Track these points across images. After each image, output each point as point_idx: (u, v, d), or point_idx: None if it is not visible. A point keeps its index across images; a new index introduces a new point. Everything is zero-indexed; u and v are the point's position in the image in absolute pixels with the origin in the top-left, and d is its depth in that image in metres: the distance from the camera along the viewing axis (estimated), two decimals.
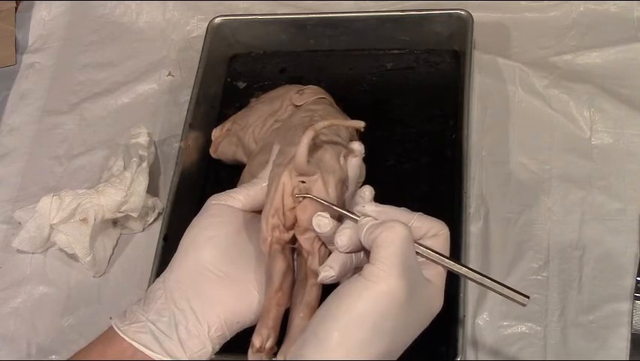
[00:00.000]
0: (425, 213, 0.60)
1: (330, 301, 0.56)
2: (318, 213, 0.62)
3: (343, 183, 0.67)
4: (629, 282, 0.75)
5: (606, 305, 0.74)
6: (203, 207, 0.68)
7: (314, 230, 0.62)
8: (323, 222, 0.61)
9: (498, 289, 0.59)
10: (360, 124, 0.69)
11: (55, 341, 0.82)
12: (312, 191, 0.64)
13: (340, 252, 0.60)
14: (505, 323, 0.75)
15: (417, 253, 0.58)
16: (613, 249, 0.77)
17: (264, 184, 0.68)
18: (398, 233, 0.56)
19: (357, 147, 0.70)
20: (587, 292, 0.75)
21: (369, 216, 0.60)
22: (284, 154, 0.68)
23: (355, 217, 0.60)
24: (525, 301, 0.58)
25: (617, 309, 0.74)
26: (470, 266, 0.60)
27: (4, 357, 0.82)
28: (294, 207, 0.65)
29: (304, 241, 0.64)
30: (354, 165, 0.69)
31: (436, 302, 0.59)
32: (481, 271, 0.59)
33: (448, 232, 0.60)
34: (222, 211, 0.67)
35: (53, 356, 0.81)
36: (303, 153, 0.63)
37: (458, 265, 0.59)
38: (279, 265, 0.63)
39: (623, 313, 0.74)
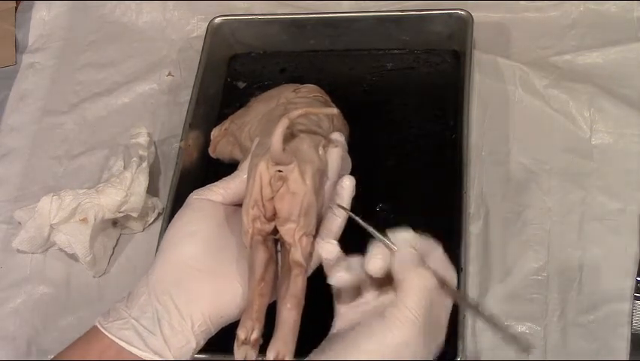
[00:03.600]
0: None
1: (353, 337, 0.57)
2: (326, 240, 0.62)
3: (322, 173, 0.66)
4: (629, 282, 0.75)
5: (606, 305, 0.74)
6: (185, 202, 0.68)
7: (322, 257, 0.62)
8: (329, 248, 0.61)
9: (504, 331, 0.59)
10: (333, 111, 0.70)
11: (55, 341, 0.82)
12: (289, 180, 0.64)
13: (370, 274, 0.59)
14: (505, 323, 0.75)
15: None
16: (613, 249, 0.77)
17: (244, 176, 0.68)
18: (427, 285, 0.57)
19: (337, 137, 0.70)
20: (587, 292, 0.75)
21: (406, 243, 0.59)
22: (262, 145, 0.68)
23: (391, 245, 0.59)
24: (527, 350, 0.59)
25: (617, 309, 0.74)
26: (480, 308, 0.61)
27: (4, 357, 0.82)
28: (272, 198, 0.64)
29: (285, 232, 0.64)
30: (335, 155, 0.68)
31: (440, 340, 0.60)
32: (491, 313, 0.60)
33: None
34: (203, 206, 0.67)
35: (53, 356, 0.81)
36: (277, 142, 0.63)
37: (478, 309, 0.60)
38: (261, 255, 0.63)
39: (623, 313, 0.74)
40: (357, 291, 0.61)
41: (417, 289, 0.56)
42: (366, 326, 0.57)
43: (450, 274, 0.60)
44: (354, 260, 0.60)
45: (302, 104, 0.75)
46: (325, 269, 0.62)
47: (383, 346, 0.56)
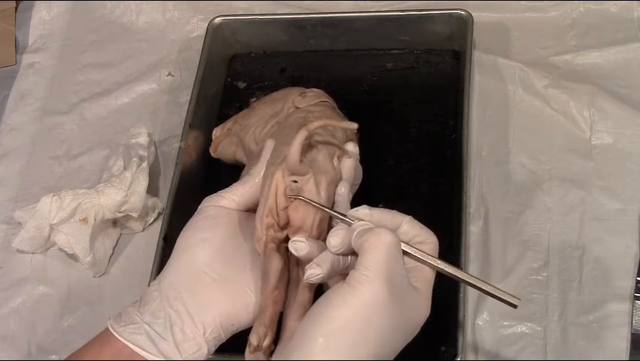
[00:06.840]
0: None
1: (315, 308, 0.56)
2: (294, 239, 0.61)
3: (336, 184, 0.67)
4: (629, 282, 0.75)
5: (606, 305, 0.74)
6: (198, 209, 0.68)
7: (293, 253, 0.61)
8: (299, 245, 0.61)
9: (490, 290, 0.59)
10: (354, 125, 0.69)
11: (55, 341, 0.82)
12: (304, 191, 0.64)
13: (331, 252, 0.59)
14: (505, 323, 0.75)
15: (407, 255, 0.58)
16: (613, 249, 0.77)
17: (256, 180, 0.68)
18: (383, 240, 0.56)
19: (352, 148, 0.70)
20: (587, 292, 0.75)
21: (361, 220, 0.59)
22: (278, 153, 0.68)
23: (349, 221, 0.60)
24: (516, 302, 0.58)
25: (617, 309, 0.74)
26: (462, 269, 0.60)
27: (4, 357, 0.82)
28: (287, 207, 0.65)
29: None
30: (349, 166, 0.69)
31: (422, 309, 0.59)
32: (473, 274, 0.59)
33: (437, 242, 0.60)
34: (217, 213, 0.67)
35: (53, 356, 0.81)
36: (295, 153, 0.63)
37: (450, 267, 0.59)
38: (275, 263, 0.63)
39: (623, 313, 0.74)
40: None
41: (372, 248, 0.56)
42: (329, 294, 0.56)
43: (425, 239, 0.59)
44: (325, 253, 0.60)
45: (319, 113, 0.75)
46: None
47: (346, 307, 0.54)
